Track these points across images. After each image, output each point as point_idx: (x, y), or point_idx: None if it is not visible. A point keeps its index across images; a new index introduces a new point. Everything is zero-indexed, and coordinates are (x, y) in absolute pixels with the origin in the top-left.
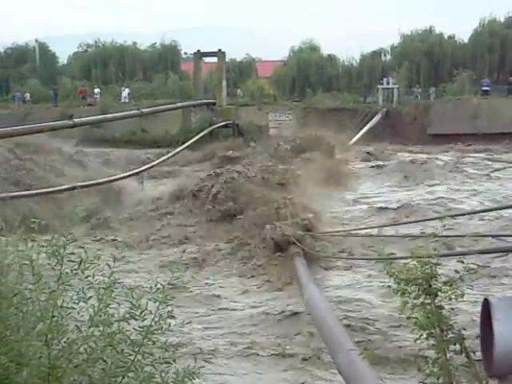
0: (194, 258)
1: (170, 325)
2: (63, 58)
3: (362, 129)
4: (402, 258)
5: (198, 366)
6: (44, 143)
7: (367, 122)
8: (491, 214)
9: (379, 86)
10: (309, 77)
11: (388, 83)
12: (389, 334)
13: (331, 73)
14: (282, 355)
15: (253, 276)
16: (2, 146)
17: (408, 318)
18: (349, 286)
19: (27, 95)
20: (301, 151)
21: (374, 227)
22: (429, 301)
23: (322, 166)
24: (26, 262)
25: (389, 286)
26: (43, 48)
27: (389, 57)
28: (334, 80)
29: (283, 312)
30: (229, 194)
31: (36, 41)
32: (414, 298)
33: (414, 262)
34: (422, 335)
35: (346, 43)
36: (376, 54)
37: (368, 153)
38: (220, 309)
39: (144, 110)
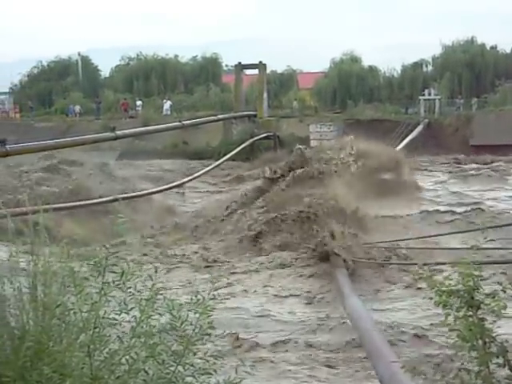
0: (235, 268)
1: (210, 335)
2: (105, 70)
3: (403, 140)
4: (440, 263)
5: (239, 377)
6: (86, 155)
7: (409, 134)
8: None
9: (421, 97)
10: (350, 88)
11: (430, 94)
12: (430, 345)
13: (372, 84)
14: (321, 365)
15: (295, 286)
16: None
17: (450, 330)
18: (391, 298)
19: (77, 107)
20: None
21: (421, 237)
22: (471, 313)
23: (370, 176)
24: (69, 274)
25: (430, 298)
26: (86, 61)
27: (430, 68)
28: (375, 91)
29: (324, 322)
30: (272, 204)
31: (79, 54)
32: (456, 311)
33: (456, 275)
34: (464, 348)
35: (387, 54)
36: (417, 65)
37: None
38: (261, 317)
39: (185, 122)
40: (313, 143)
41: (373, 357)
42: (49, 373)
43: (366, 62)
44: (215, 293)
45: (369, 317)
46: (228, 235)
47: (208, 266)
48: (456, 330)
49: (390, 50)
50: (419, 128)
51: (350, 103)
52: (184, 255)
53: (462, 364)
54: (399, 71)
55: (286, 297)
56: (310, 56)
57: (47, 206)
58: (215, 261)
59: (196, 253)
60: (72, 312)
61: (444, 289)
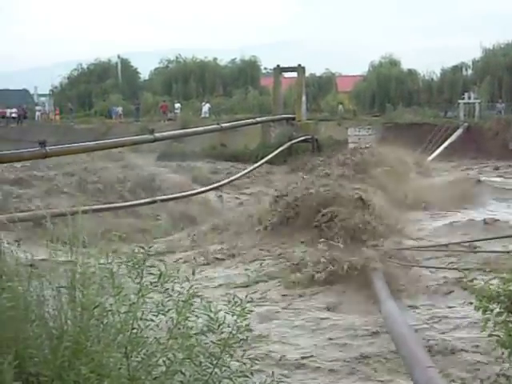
0: (272, 271)
1: (247, 338)
2: (145, 73)
3: (442, 144)
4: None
5: (275, 380)
6: (126, 157)
7: (448, 138)
8: None
9: (460, 101)
10: (389, 91)
11: (469, 98)
12: (466, 351)
13: (411, 87)
14: (358, 371)
15: (330, 290)
16: (81, 161)
17: (490, 335)
18: (430, 304)
19: (120, 109)
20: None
21: (458, 242)
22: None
23: (401, 181)
24: (107, 275)
25: (470, 303)
26: (125, 64)
27: (470, 71)
28: (414, 95)
29: (360, 327)
30: (307, 208)
31: (118, 57)
32: (496, 316)
33: (497, 280)
34: (503, 353)
35: (427, 57)
36: (457, 69)
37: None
38: (297, 324)
39: (224, 125)
40: (351, 146)
41: (408, 362)
42: (86, 373)
43: (405, 66)
44: (252, 296)
45: (405, 322)
46: (265, 237)
47: (245, 268)
48: (495, 335)
49: (430, 53)
50: (458, 132)
51: (388, 107)
52: (221, 257)
53: (501, 370)
54: (438, 75)
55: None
56: (349, 59)
57: (86, 207)
58: (250, 263)
59: (232, 255)
60: (110, 313)
61: (484, 294)
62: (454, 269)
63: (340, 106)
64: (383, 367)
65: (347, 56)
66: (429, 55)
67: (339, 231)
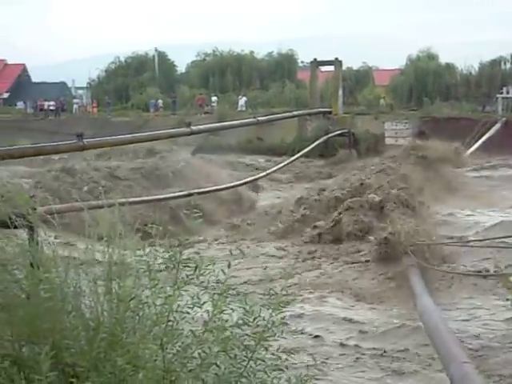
0: (307, 265)
1: (282, 331)
2: (181, 66)
3: (479, 139)
4: None
5: (310, 374)
6: (162, 150)
7: (485, 132)
8: None
9: (498, 96)
10: (426, 85)
11: (508, 92)
12: (503, 349)
13: (449, 81)
14: (393, 366)
15: (364, 285)
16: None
17: None
18: (465, 298)
19: (160, 102)
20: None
21: (494, 238)
22: None
23: (438, 175)
24: (143, 267)
25: (507, 299)
26: (162, 57)
27: (509, 65)
28: (451, 89)
29: (396, 322)
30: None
31: (155, 50)
32: None
33: None
34: None
35: (465, 51)
36: (495, 63)
37: None
38: (330, 317)
39: (260, 119)
40: (388, 141)
41: (444, 357)
42: (122, 364)
43: (443, 59)
44: (288, 289)
45: (440, 316)
46: (302, 228)
47: (281, 262)
48: None
49: (468, 46)
50: (497, 126)
51: (426, 101)
52: (257, 250)
53: None
54: (477, 68)
55: (359, 296)
56: (387, 53)
57: (123, 200)
58: (286, 255)
59: (269, 247)
60: (146, 305)
61: None
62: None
63: (381, 100)
64: (418, 361)
65: (385, 50)
66: (467, 49)
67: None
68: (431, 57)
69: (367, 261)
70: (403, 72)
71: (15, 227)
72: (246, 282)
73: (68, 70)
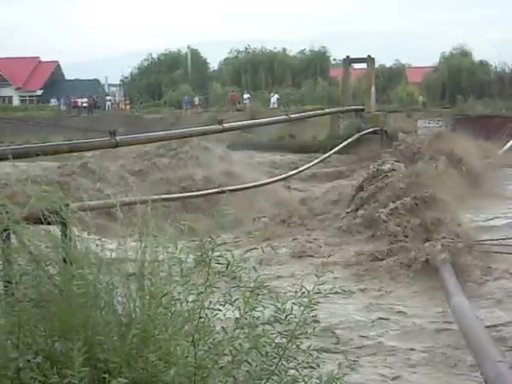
0: (341, 262)
1: (314, 329)
2: (214, 63)
3: None
4: None
5: (341, 372)
6: (195, 146)
7: None
8: None
9: None
10: (459, 83)
11: None
12: None
13: (483, 79)
14: (427, 364)
15: (398, 282)
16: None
17: None
18: (500, 298)
19: (196, 99)
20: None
21: None
22: None
23: (470, 173)
24: (176, 263)
25: None
26: (195, 54)
27: None
28: (485, 86)
29: (429, 320)
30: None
31: (188, 47)
32: None
33: None
34: None
35: (499, 48)
36: None
37: None
38: (363, 314)
39: (292, 116)
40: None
41: (478, 356)
42: (154, 360)
43: (477, 57)
44: (320, 287)
45: (474, 315)
46: (334, 226)
47: (313, 260)
48: None
49: (502, 44)
50: None
51: (459, 98)
52: (289, 247)
53: None
54: (511, 66)
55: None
56: (420, 50)
57: (156, 197)
58: (318, 253)
59: (301, 245)
60: (178, 302)
61: None
62: None
63: (420, 97)
64: (452, 360)
65: (418, 47)
66: (501, 46)
67: (407, 224)
68: (465, 54)
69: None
70: (436, 69)
71: (48, 223)
72: (278, 278)
73: (101, 68)
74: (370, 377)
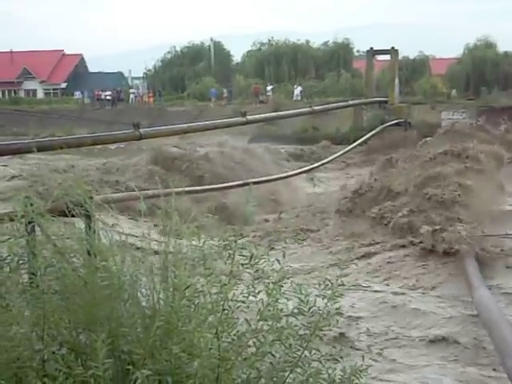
0: (362, 255)
1: (337, 321)
2: (237, 56)
3: None
4: None
5: (365, 364)
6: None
7: None
8: None
9: None
10: (484, 74)
11: None
12: None
13: (507, 70)
14: (447, 358)
15: (422, 274)
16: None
17: None
18: None
19: (224, 91)
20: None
21: None
22: None
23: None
24: (199, 256)
25: None
26: (218, 47)
27: None
28: (510, 78)
29: (451, 312)
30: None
31: (211, 40)
32: None
33: None
34: None
35: None
36: None
37: None
38: (385, 305)
39: (316, 108)
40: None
41: (501, 350)
42: (178, 352)
43: (502, 48)
44: (343, 279)
45: (498, 309)
46: (355, 221)
47: (335, 252)
48: None
49: None
50: None
51: (483, 90)
52: (313, 239)
53: None
54: None
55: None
56: (444, 42)
57: (180, 189)
58: (340, 246)
59: (324, 237)
60: (201, 294)
61: None
62: None
63: (453, 91)
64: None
65: (442, 39)
66: None
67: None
68: (489, 45)
69: (423, 249)
70: (460, 61)
71: (73, 216)
72: (300, 271)
73: (125, 61)
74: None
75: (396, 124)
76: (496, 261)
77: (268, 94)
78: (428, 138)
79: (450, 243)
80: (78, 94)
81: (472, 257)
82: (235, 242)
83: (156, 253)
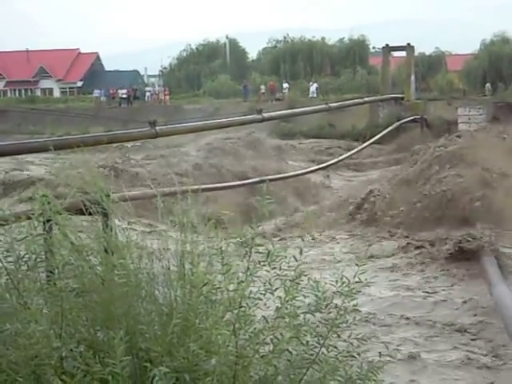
0: (379, 253)
1: (355, 318)
2: (253, 53)
3: None
4: None
5: (382, 360)
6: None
7: None
8: None
9: None
10: (501, 70)
11: None
12: None
13: None
14: (465, 356)
15: (441, 271)
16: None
17: None
18: None
19: (262, 87)
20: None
21: None
22: None
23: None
24: (216, 253)
25: None
26: (233, 44)
27: None
28: None
29: (470, 311)
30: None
31: (227, 37)
32: None
33: None
34: None
35: None
36: None
37: None
38: (403, 301)
39: (331, 105)
40: (461, 127)
41: None
42: (195, 349)
43: None
44: (361, 276)
45: None
46: (373, 219)
47: (352, 250)
48: None
49: None
50: None
51: (500, 86)
52: (329, 236)
53: None
54: None
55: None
56: (460, 38)
57: (196, 187)
58: (357, 243)
59: (339, 235)
60: (218, 291)
61: None
62: None
63: (487, 85)
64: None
65: (458, 35)
66: None
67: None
68: (506, 41)
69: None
70: (477, 57)
71: (90, 214)
72: (317, 268)
73: (141, 59)
74: None
75: (412, 120)
76: None
77: (284, 91)
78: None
79: (471, 239)
80: (97, 93)
81: (491, 253)
82: (252, 238)
83: (173, 250)
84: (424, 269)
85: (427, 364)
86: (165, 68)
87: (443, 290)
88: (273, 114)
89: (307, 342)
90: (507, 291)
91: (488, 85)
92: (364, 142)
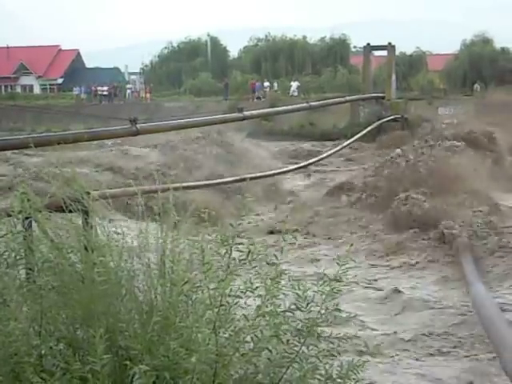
0: (361, 250)
1: (335, 317)
2: (234, 51)
3: None
4: None
5: (362, 360)
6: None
7: None
8: None
9: None
10: (481, 70)
11: None
12: None
13: (504, 66)
14: (445, 353)
15: (423, 268)
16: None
17: None
18: None
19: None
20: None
21: None
22: None
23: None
24: (196, 251)
25: None
26: (215, 42)
27: None
28: (507, 74)
29: (450, 308)
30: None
31: (208, 35)
32: None
33: None
34: None
35: None
36: None
37: None
38: (384, 301)
39: (312, 104)
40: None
41: (497, 346)
42: (175, 347)
43: (498, 44)
44: (341, 274)
45: (494, 305)
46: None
47: (333, 247)
48: None
49: None
50: None
51: (481, 85)
52: (308, 235)
53: None
54: None
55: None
56: (441, 38)
57: (177, 185)
58: (339, 241)
59: (320, 233)
60: (199, 289)
61: None
62: None
63: (476, 85)
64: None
65: (439, 35)
66: None
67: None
68: (486, 41)
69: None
70: (457, 57)
71: (70, 211)
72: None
73: (121, 56)
74: None
75: (393, 120)
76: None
77: (265, 89)
78: None
79: (448, 237)
80: (76, 90)
81: (469, 251)
82: (233, 237)
83: (153, 248)
84: None
85: None
86: (146, 65)
87: None
88: (254, 112)
89: (287, 340)
90: (484, 290)
91: (476, 85)
92: (346, 141)
